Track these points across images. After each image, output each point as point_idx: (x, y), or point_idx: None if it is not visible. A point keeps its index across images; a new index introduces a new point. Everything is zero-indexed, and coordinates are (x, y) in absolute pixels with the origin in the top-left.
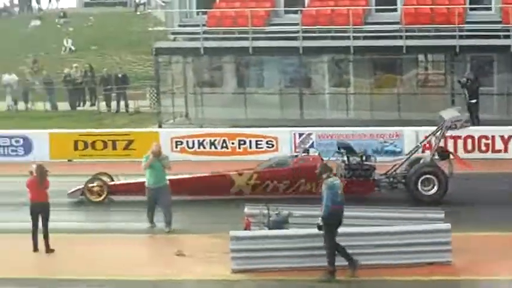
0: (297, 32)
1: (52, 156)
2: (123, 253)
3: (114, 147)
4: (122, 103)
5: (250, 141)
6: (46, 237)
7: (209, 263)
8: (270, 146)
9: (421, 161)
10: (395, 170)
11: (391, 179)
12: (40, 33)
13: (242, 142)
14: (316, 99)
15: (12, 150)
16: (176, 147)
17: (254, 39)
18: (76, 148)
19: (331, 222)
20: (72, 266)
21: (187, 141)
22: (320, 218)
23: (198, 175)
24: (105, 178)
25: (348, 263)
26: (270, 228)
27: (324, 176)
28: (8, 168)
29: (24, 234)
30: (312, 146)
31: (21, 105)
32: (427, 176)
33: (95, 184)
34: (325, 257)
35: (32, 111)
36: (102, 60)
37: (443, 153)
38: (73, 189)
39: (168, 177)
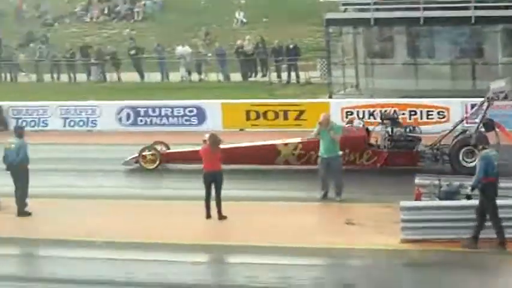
0: (469, 1)
1: (224, 126)
2: (295, 221)
3: (286, 117)
4: (293, 74)
5: (421, 112)
6: (219, 205)
7: (378, 233)
8: (441, 116)
9: (466, 133)
10: (440, 142)
11: (435, 151)
12: (213, 6)
13: (413, 113)
14: (489, 69)
15: (186, 120)
16: (346, 118)
17: (425, 9)
18: (248, 118)
19: (488, 193)
20: (245, 233)
21: (357, 112)
22: (469, 188)
23: (245, 144)
24: (160, 147)
25: (473, 235)
26: (440, 199)
27: (480, 147)
28: (182, 137)
29: (198, 201)
30: (483, 117)
31: (194, 77)
32: (469, 147)
33: (149, 152)
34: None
35: (205, 82)
36: (273, 32)
37: (489, 125)
38: (129, 157)
39: None
